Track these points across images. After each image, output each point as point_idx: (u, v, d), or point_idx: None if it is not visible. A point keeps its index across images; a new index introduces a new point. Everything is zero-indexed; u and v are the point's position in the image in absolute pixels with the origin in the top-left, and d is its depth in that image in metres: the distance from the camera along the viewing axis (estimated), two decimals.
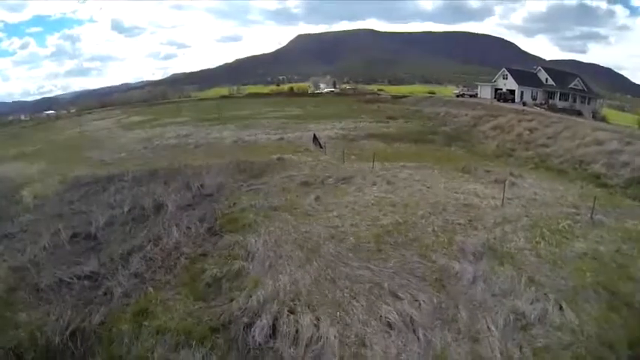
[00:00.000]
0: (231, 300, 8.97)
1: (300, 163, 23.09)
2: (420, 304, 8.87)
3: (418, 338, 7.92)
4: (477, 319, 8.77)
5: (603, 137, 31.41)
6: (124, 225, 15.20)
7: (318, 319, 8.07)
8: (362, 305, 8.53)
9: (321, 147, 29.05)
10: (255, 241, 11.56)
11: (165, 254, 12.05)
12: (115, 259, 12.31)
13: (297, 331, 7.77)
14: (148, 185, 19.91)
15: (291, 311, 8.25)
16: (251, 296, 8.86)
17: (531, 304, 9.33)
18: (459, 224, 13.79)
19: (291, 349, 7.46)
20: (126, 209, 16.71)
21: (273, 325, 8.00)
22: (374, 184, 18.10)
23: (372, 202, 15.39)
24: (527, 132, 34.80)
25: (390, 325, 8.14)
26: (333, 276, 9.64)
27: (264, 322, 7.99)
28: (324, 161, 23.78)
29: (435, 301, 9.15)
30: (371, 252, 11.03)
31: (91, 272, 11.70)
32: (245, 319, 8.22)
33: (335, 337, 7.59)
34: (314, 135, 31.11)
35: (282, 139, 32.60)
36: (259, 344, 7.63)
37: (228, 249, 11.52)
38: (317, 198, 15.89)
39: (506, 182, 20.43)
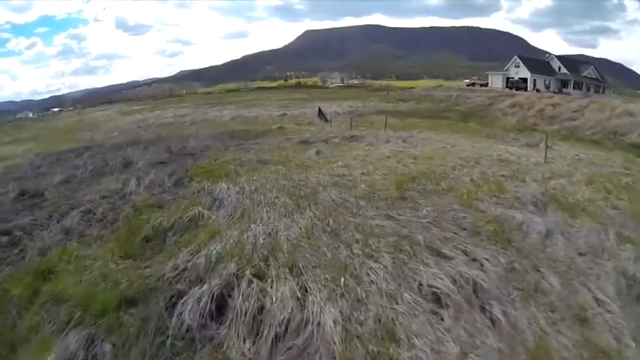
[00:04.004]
0: (172, 257, 5.24)
1: (302, 131, 19.36)
2: (482, 265, 5.05)
3: (492, 321, 4.09)
4: (574, 287, 4.96)
5: (634, 109, 27.51)
6: (81, 182, 11.71)
7: (304, 288, 4.20)
8: (384, 267, 4.68)
9: (326, 121, 25.29)
10: (229, 187, 7.79)
11: (110, 207, 8.40)
12: (53, 215, 8.86)
13: (262, 309, 3.94)
14: (126, 150, 16.39)
15: (259, 275, 4.44)
16: (199, 251, 5.10)
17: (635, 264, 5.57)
18: (503, 176, 9.92)
19: (246, 344, 3.55)
20: (90, 168, 13.18)
21: (221, 296, 4.17)
22: (388, 141, 14.24)
23: (388, 154, 11.53)
24: (550, 107, 30.82)
25: (437, 299, 4.29)
26: (335, 227, 5.77)
27: (204, 290, 4.17)
28: (329, 130, 20.01)
29: (502, 260, 5.31)
30: (392, 200, 7.15)
31: (13, 228, 8.22)
32: (179, 286, 4.45)
33: (335, 323, 3.76)
34: (319, 109, 27.33)
35: (284, 114, 28.90)
36: (187, 329, 3.80)
37: (190, 197, 7.79)
38: (318, 152, 12.09)
39: (542, 143, 17.01)
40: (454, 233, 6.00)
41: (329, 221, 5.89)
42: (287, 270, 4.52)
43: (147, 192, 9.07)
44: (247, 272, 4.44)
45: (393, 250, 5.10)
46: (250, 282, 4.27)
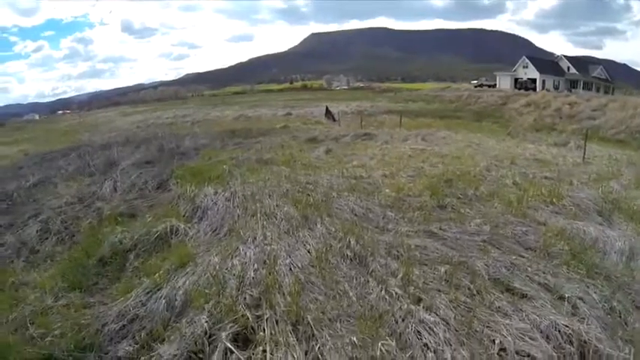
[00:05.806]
0: (128, 292, 3.57)
1: (309, 129, 17.71)
2: (576, 307, 3.34)
3: None
4: None
5: None
6: (56, 185, 10.11)
7: None
8: (442, 320, 2.96)
9: (334, 120, 23.61)
10: (216, 192, 6.10)
11: (74, 215, 6.80)
12: (15, 222, 7.27)
13: None
14: (115, 150, 14.81)
15: (243, 338, 2.75)
16: (160, 287, 3.42)
17: None
18: (546, 178, 8.22)
19: None
20: (70, 169, 11.61)
21: None
22: (405, 140, 12.54)
23: (409, 153, 9.83)
24: (567, 106, 28.87)
25: None
26: (359, 250, 4.05)
27: None
28: (338, 129, 18.32)
29: (596, 297, 3.59)
30: (428, 209, 5.41)
31: None
32: (121, 349, 2.80)
33: None
34: (326, 107, 25.64)
35: (289, 114, 27.20)
36: None
37: (167, 205, 6.11)
38: (328, 151, 10.44)
39: (571, 142, 15.45)
40: (521, 256, 4.27)
41: (349, 241, 4.16)
42: (289, 327, 2.80)
43: (121, 197, 7.45)
44: (226, 332, 2.72)
45: (448, 288, 3.38)
46: (228, 352, 2.56)
